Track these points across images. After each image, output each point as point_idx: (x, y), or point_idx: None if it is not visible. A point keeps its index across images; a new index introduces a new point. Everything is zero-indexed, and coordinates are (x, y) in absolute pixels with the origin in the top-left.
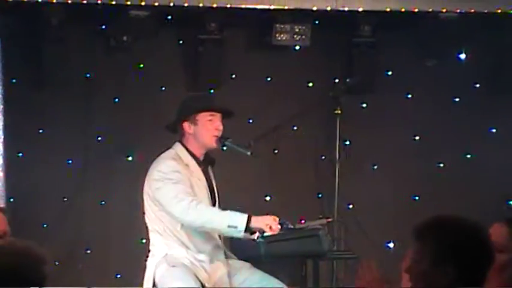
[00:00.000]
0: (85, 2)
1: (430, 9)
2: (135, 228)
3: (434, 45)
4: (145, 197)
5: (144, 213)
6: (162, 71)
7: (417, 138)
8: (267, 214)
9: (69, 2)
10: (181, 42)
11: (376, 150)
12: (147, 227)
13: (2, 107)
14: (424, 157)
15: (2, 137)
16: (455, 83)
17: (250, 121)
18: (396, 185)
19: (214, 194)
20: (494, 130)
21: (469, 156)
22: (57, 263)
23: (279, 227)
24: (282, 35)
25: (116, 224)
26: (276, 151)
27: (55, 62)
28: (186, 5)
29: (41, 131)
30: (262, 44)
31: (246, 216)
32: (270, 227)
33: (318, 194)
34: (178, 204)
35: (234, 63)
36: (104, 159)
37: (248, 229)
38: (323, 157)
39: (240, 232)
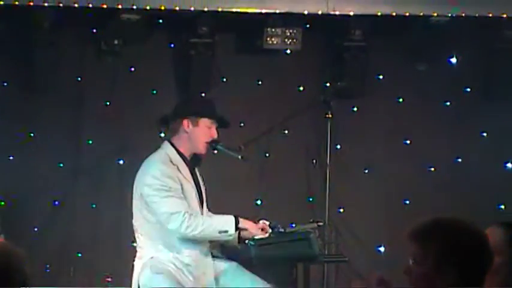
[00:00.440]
0: (76, 5)
1: (421, 13)
2: (126, 231)
3: (425, 49)
4: (134, 197)
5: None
6: (153, 74)
7: (408, 142)
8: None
9: (60, 5)
10: (172, 45)
11: (367, 154)
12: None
13: None
14: (415, 161)
15: None
16: (446, 87)
17: (241, 125)
18: (387, 188)
19: (202, 193)
20: (485, 134)
21: (459, 160)
22: (48, 266)
23: (269, 230)
24: (273, 39)
25: (107, 227)
26: (267, 155)
27: (46, 65)
28: (177, 8)
29: (32, 134)
30: (253, 47)
31: (233, 218)
32: (262, 229)
33: (309, 197)
34: (172, 219)
35: (225, 67)
36: (94, 163)
37: (237, 229)
38: (314, 161)
39: (231, 235)
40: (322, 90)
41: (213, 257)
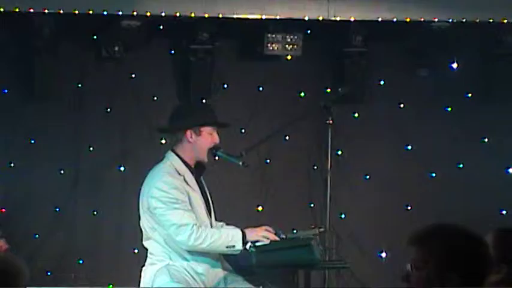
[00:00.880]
0: (76, 12)
1: (422, 19)
2: (127, 238)
3: (426, 54)
4: (141, 209)
5: (139, 219)
6: (154, 80)
7: (409, 147)
8: (261, 225)
9: (61, 12)
10: (173, 52)
11: (368, 160)
12: (141, 235)
13: None
14: (416, 167)
15: None
16: (447, 93)
17: (243, 131)
18: (388, 194)
19: (209, 202)
20: (486, 139)
21: (461, 165)
22: (49, 274)
23: (275, 237)
24: (273, 45)
25: (108, 233)
26: (268, 161)
27: (47, 72)
28: (177, 14)
29: (32, 141)
30: (254, 53)
31: (240, 233)
32: (266, 237)
33: (310, 203)
34: (181, 231)
35: (225, 73)
36: (95, 169)
37: (244, 244)
38: (315, 167)
39: (238, 250)
40: (323, 96)
41: (223, 268)
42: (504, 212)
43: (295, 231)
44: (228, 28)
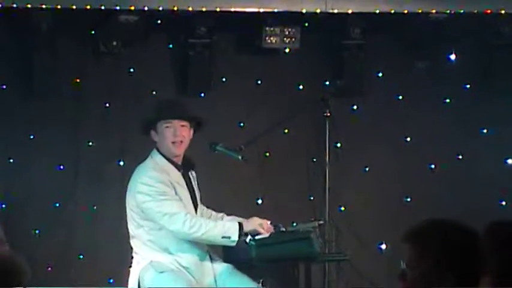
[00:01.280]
0: (74, 7)
1: (420, 11)
2: (126, 233)
3: (424, 46)
4: (128, 207)
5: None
6: (152, 75)
7: (408, 139)
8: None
9: (58, 7)
10: (171, 46)
11: (367, 152)
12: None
13: None
14: (415, 158)
15: None
16: (445, 84)
17: (241, 125)
18: (387, 186)
19: (196, 198)
20: (485, 131)
21: (460, 157)
22: (49, 269)
23: (271, 226)
24: (271, 38)
25: (108, 229)
26: (267, 154)
27: (45, 67)
28: (175, 9)
29: (31, 136)
30: (252, 47)
31: (237, 225)
32: (263, 228)
33: (310, 196)
34: (172, 220)
35: (224, 67)
36: (94, 165)
37: (240, 236)
38: (314, 159)
39: (234, 242)
40: (321, 89)
41: (211, 259)
42: (503, 203)
43: (294, 224)
44: (226, 22)
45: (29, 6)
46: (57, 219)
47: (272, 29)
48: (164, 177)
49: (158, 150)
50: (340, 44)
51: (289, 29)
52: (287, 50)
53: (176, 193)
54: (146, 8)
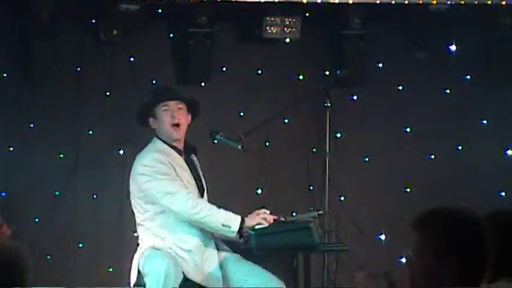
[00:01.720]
0: None
1: (420, 1)
2: (127, 221)
3: (424, 37)
4: (131, 192)
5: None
6: (153, 64)
7: (408, 130)
8: (259, 208)
9: None
10: (171, 35)
11: (367, 143)
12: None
13: None
14: (415, 149)
15: None
16: (445, 75)
17: (241, 114)
18: (387, 177)
19: (202, 183)
20: (485, 122)
21: (460, 148)
22: (49, 258)
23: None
24: (272, 28)
25: (108, 217)
26: (267, 144)
27: (45, 56)
28: None
29: (31, 125)
30: (253, 37)
31: (240, 217)
32: (265, 219)
33: (309, 186)
34: (174, 198)
35: (224, 57)
36: (95, 153)
37: (241, 230)
38: (314, 149)
39: (233, 233)
40: (321, 79)
41: (218, 248)
42: (503, 194)
43: (294, 214)
44: (227, 11)
45: None
46: (57, 208)
47: (272, 18)
48: (164, 158)
49: (158, 137)
50: (340, 34)
51: (290, 19)
52: (287, 40)
53: (177, 174)
54: None
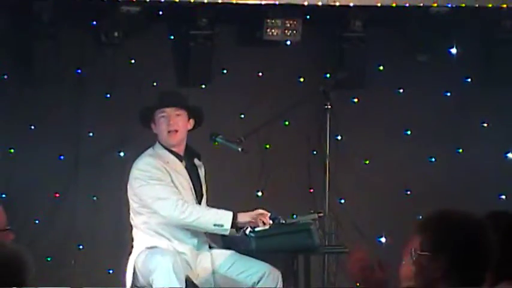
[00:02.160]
0: None
1: (421, 4)
2: (127, 223)
3: (425, 39)
4: (128, 195)
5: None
6: (153, 66)
7: (408, 132)
8: (257, 209)
9: None
10: (172, 37)
11: (367, 145)
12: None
13: None
14: (416, 151)
15: None
16: (446, 78)
17: (242, 116)
18: (388, 179)
19: (200, 188)
20: (485, 124)
21: (460, 150)
22: (49, 259)
23: (270, 221)
24: (273, 30)
25: (108, 219)
26: (267, 146)
27: (46, 58)
28: (177, 0)
29: (32, 127)
30: (253, 39)
31: (231, 214)
32: (263, 222)
33: (310, 188)
34: (163, 204)
35: (225, 59)
36: (95, 155)
37: (234, 226)
38: (314, 152)
39: (226, 230)
40: (322, 81)
41: (210, 247)
42: (503, 197)
43: (294, 216)
44: (228, 13)
45: None
46: (57, 209)
47: (273, 21)
48: (160, 164)
49: (159, 142)
50: (341, 36)
51: (291, 21)
52: (288, 42)
53: (172, 180)
54: None
